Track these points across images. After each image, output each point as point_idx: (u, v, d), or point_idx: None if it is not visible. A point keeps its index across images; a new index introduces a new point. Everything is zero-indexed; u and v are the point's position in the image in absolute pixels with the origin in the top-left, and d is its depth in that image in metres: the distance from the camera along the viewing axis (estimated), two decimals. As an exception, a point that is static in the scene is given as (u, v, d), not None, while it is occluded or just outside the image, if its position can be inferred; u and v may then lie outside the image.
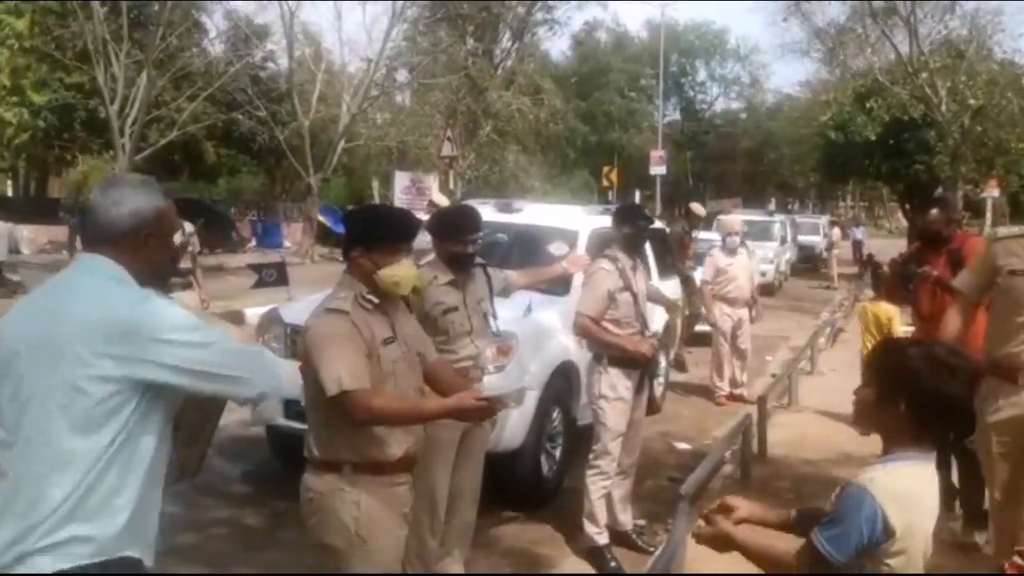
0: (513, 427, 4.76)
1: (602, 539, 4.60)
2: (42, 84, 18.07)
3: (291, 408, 5.18)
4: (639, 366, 4.58)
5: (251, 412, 5.54)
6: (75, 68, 20.78)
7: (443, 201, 10.65)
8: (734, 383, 8.60)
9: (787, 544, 2.27)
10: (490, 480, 4.35)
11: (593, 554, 4.60)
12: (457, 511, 4.08)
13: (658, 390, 7.98)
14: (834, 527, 2.03)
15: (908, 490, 2.03)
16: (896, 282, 5.55)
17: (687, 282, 9.61)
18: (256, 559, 4.52)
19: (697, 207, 11.34)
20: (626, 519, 4.84)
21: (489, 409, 2.71)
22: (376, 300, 2.81)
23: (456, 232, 3.86)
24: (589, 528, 4.59)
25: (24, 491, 1.91)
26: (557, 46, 63.08)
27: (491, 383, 4.15)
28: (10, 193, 36.32)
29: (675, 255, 9.23)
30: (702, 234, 11.56)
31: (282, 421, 5.28)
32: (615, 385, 4.54)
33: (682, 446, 6.92)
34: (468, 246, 3.90)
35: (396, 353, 2.83)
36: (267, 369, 2.18)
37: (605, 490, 4.59)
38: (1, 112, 15.65)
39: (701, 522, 2.36)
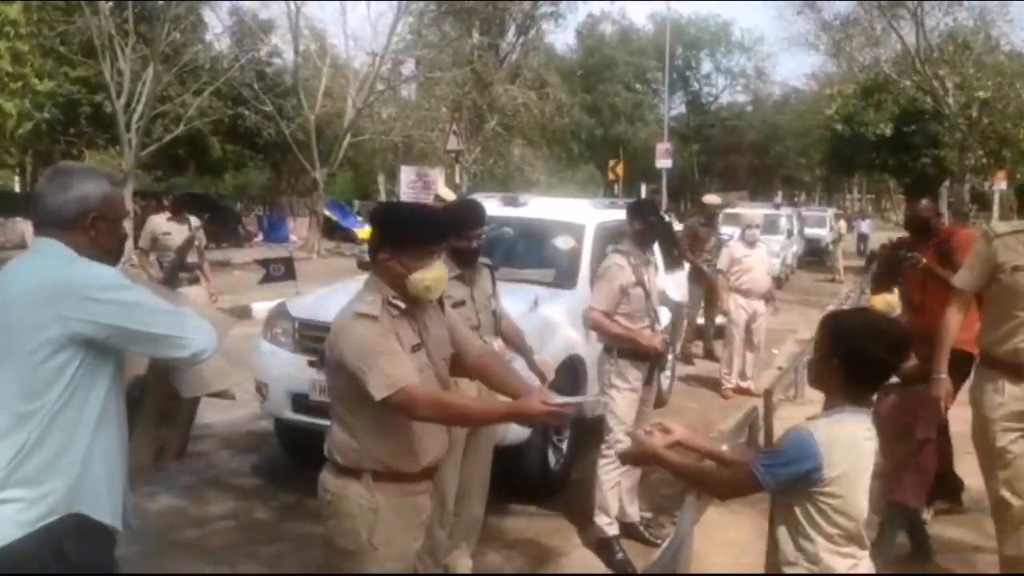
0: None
1: (612, 530, 4.62)
2: (46, 75, 18.06)
3: (299, 402, 5.22)
4: (649, 358, 4.62)
5: (260, 407, 5.59)
6: (80, 63, 20.81)
7: (449, 195, 10.65)
8: (742, 376, 8.59)
9: (714, 467, 2.60)
10: (498, 473, 4.36)
11: (602, 546, 4.62)
12: (466, 504, 4.10)
13: (664, 383, 8.04)
14: (773, 458, 2.34)
15: (847, 439, 2.31)
16: (886, 268, 5.56)
17: (700, 275, 9.62)
18: (263, 552, 4.54)
19: (711, 198, 11.32)
20: (633, 511, 4.86)
21: (557, 415, 2.56)
22: (404, 305, 2.70)
23: (460, 227, 3.84)
24: (600, 519, 4.62)
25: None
26: (562, 39, 63.07)
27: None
28: (17, 188, 36.41)
29: (681, 248, 9.18)
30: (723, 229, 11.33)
31: (290, 415, 5.32)
32: (625, 375, 4.58)
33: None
34: (472, 241, 3.91)
35: (423, 360, 2.75)
36: (199, 327, 2.22)
37: (617, 480, 4.62)
38: (1, 102, 15.58)
39: (627, 440, 2.58)
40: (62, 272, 2.09)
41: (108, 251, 2.27)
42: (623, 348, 4.60)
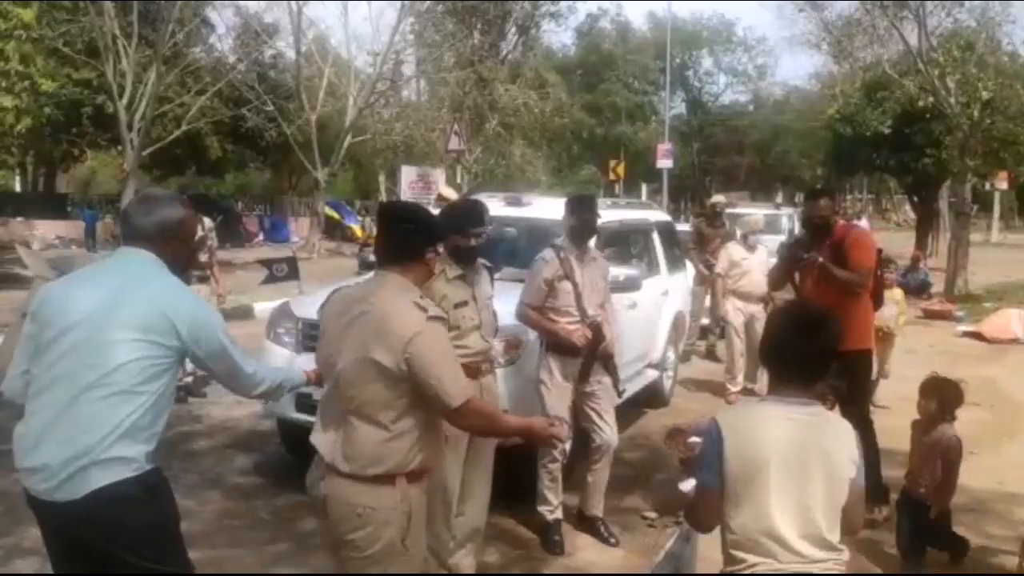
0: (525, 414, 4.77)
1: (552, 516, 4.77)
2: (50, 76, 18.13)
3: (302, 402, 5.22)
4: (578, 353, 4.68)
5: (263, 406, 5.60)
6: (83, 64, 20.83)
7: (451, 194, 10.64)
8: (752, 378, 8.49)
9: None
10: (500, 472, 4.36)
11: (543, 529, 4.78)
12: (470, 505, 4.11)
13: (667, 384, 8.05)
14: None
15: (745, 424, 2.49)
16: (784, 266, 5.63)
17: (703, 275, 9.67)
18: (266, 551, 4.55)
19: (717, 198, 11.31)
20: (596, 504, 4.92)
21: (558, 434, 3.07)
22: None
23: (461, 225, 3.87)
24: (541, 507, 4.77)
25: (72, 421, 2.49)
26: (561, 38, 62.98)
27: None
28: (18, 188, 36.46)
29: (683, 248, 9.18)
30: None
31: (293, 415, 5.31)
32: (552, 371, 4.69)
33: (692, 439, 6.91)
34: (472, 239, 3.92)
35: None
36: (269, 369, 2.94)
37: (553, 473, 4.74)
38: (1, 99, 15.63)
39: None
40: (187, 307, 2.66)
41: (178, 263, 2.79)
42: (550, 342, 4.72)
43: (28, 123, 17.46)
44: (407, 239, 2.83)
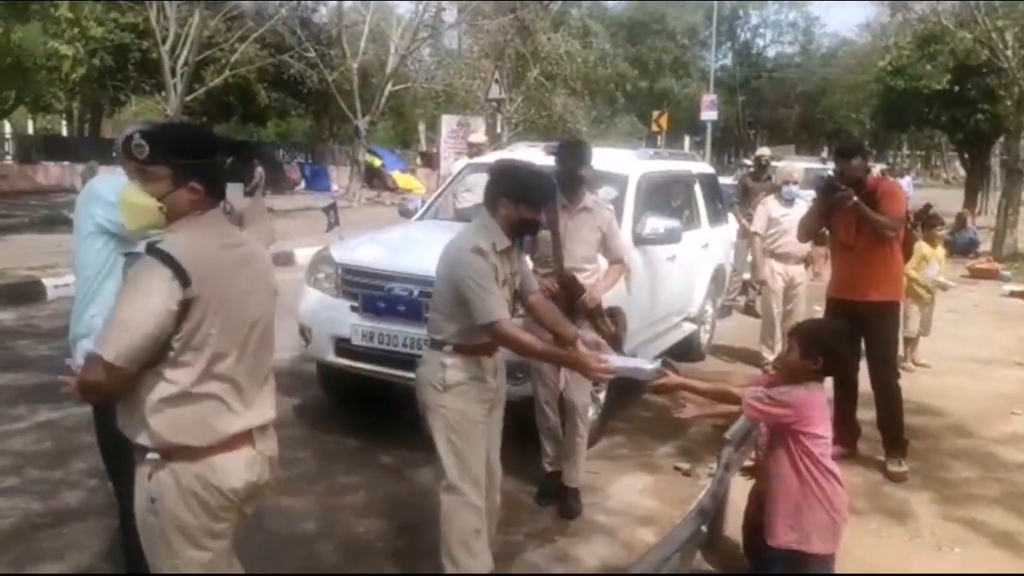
0: (560, 371, 4.78)
1: (551, 468, 4.73)
2: (98, 21, 18.29)
3: (341, 346, 5.30)
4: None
5: (303, 350, 5.68)
6: (129, 8, 20.90)
7: (481, 139, 10.56)
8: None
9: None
10: (529, 425, 4.42)
11: (541, 478, 4.76)
12: (491, 492, 3.70)
13: (704, 338, 8.01)
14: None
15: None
16: (815, 207, 5.54)
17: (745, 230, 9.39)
18: (306, 492, 4.65)
19: (763, 151, 11.03)
20: (568, 473, 4.64)
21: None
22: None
23: (537, 198, 3.49)
24: (543, 460, 4.76)
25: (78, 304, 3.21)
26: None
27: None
28: (65, 133, 36.94)
29: (724, 202, 9.01)
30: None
31: (332, 359, 5.40)
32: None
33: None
34: (541, 214, 3.59)
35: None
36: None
37: (553, 430, 4.70)
38: (58, 46, 15.83)
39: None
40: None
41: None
42: None
43: (82, 72, 17.65)
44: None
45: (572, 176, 4.67)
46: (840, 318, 5.08)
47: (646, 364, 3.48)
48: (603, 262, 4.86)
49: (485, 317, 3.23)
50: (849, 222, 5.24)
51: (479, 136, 11.17)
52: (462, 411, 3.37)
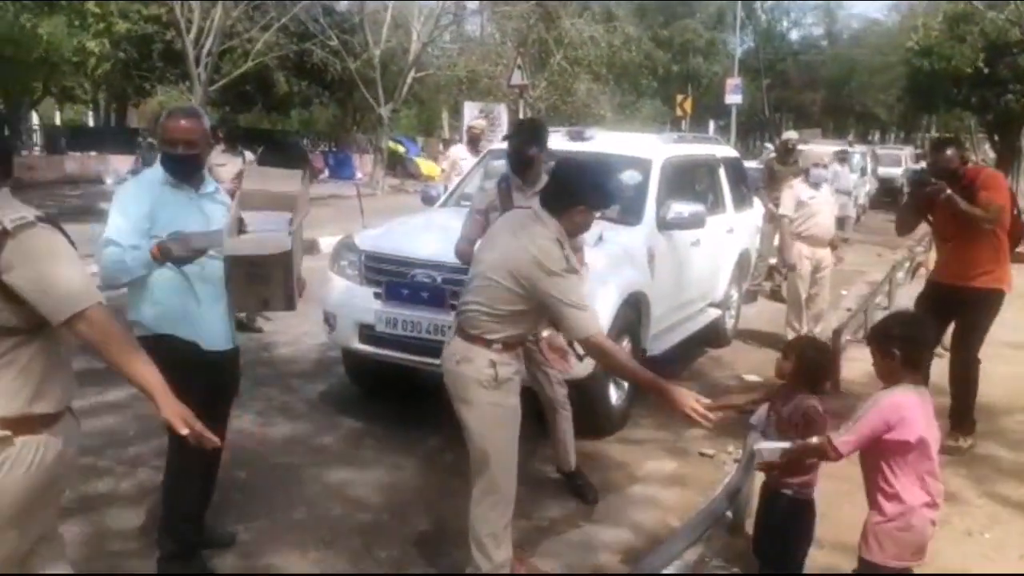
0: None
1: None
2: (123, 15, 18.47)
3: (365, 333, 5.32)
4: None
5: (328, 337, 5.72)
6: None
7: (481, 124, 10.56)
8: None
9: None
10: (568, 410, 4.41)
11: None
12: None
13: (729, 323, 7.97)
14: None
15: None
16: (911, 201, 5.45)
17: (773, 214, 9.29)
18: (330, 476, 4.68)
19: (790, 134, 10.92)
20: (564, 459, 4.59)
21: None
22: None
23: (609, 202, 3.48)
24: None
25: None
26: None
27: None
28: (91, 123, 37.27)
29: (750, 185, 8.92)
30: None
31: (357, 345, 5.42)
32: None
33: (752, 378, 6.87)
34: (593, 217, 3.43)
35: None
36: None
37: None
38: (85, 42, 16.03)
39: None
40: None
41: (165, 167, 3.37)
42: None
43: (107, 67, 17.83)
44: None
45: (523, 156, 4.47)
46: (940, 302, 5.13)
47: (768, 445, 3.16)
48: None
49: (584, 330, 3.11)
50: (945, 215, 5.14)
51: (479, 121, 11.11)
52: (508, 404, 3.33)
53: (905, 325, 3.09)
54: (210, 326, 3.40)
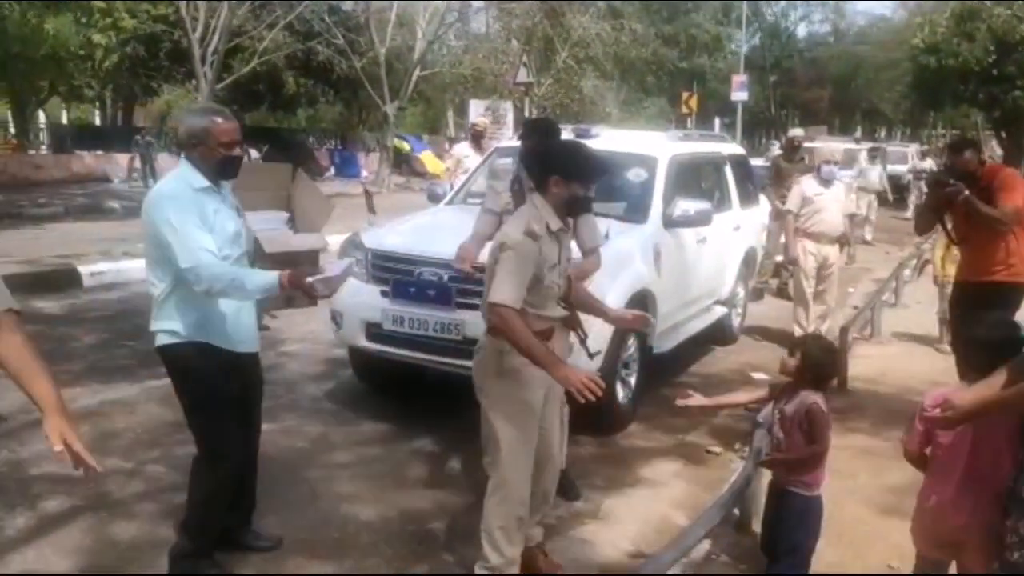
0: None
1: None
2: (131, 13, 18.56)
3: (372, 331, 5.33)
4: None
5: (335, 336, 5.73)
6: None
7: (483, 122, 10.53)
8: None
9: None
10: (567, 406, 4.39)
11: None
12: (547, 471, 3.67)
13: (735, 321, 7.96)
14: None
15: None
16: (929, 201, 5.46)
17: (779, 211, 9.28)
18: (337, 474, 4.69)
19: (797, 132, 10.90)
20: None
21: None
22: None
23: (588, 173, 3.37)
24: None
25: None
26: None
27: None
28: (98, 122, 37.40)
29: (756, 183, 8.91)
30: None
31: (364, 343, 5.43)
32: None
33: (759, 376, 6.87)
34: (591, 189, 3.42)
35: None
36: (224, 270, 3.19)
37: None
38: (92, 35, 16.12)
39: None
40: (150, 197, 3.27)
41: (210, 167, 3.27)
42: None
43: (114, 60, 17.90)
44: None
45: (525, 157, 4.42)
46: (967, 300, 5.16)
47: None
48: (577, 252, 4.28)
49: (497, 295, 3.13)
50: (961, 215, 5.17)
51: (482, 118, 11.13)
52: (519, 398, 3.34)
53: (992, 328, 3.00)
54: (242, 330, 3.41)
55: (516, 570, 3.42)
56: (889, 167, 24.51)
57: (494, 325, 3.21)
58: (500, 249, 3.22)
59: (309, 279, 3.19)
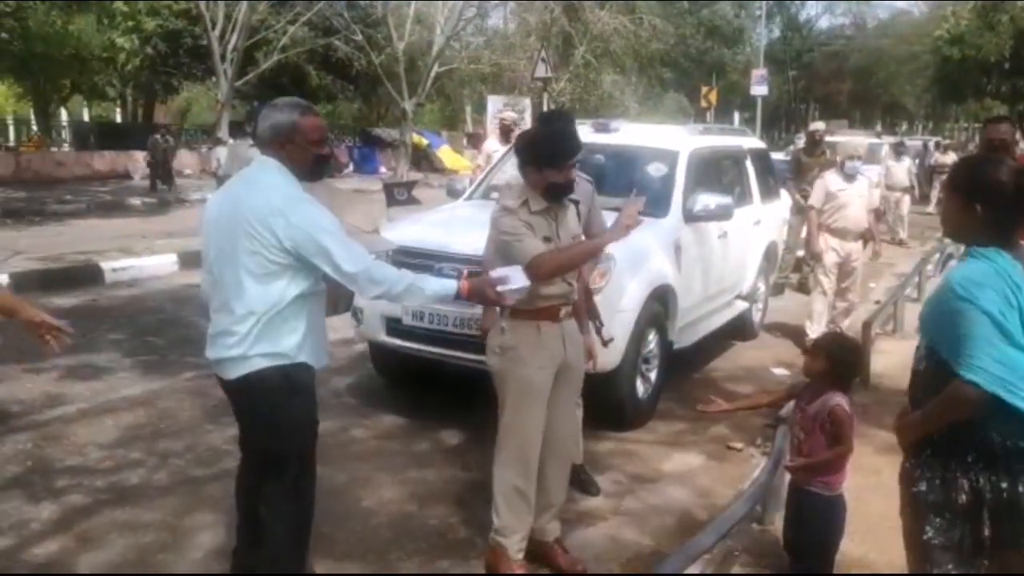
0: (611, 348, 4.75)
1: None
2: (152, 12, 18.70)
3: (392, 326, 5.34)
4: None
5: (355, 331, 5.74)
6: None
7: (511, 115, 10.51)
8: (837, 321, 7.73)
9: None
10: (588, 401, 4.37)
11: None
12: (551, 463, 3.66)
13: (756, 316, 7.92)
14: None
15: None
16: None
17: (799, 207, 9.20)
18: (357, 468, 4.70)
19: (818, 126, 10.80)
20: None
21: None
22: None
23: (555, 160, 3.42)
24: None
25: (222, 313, 2.94)
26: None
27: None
28: (119, 120, 37.66)
29: (777, 177, 8.83)
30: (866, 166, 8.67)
31: (384, 339, 5.45)
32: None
33: (780, 371, 6.83)
34: (568, 173, 3.47)
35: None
36: (395, 274, 3.00)
37: None
38: (115, 38, 16.28)
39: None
40: (274, 200, 2.84)
41: (301, 167, 2.98)
42: None
43: (137, 62, 18.07)
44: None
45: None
46: None
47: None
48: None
49: (525, 257, 3.27)
50: None
51: (509, 113, 11.09)
52: (519, 376, 3.44)
53: None
54: (324, 345, 3.17)
55: (517, 539, 3.54)
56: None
57: (543, 275, 3.31)
58: (492, 234, 3.59)
59: (500, 288, 3.07)
